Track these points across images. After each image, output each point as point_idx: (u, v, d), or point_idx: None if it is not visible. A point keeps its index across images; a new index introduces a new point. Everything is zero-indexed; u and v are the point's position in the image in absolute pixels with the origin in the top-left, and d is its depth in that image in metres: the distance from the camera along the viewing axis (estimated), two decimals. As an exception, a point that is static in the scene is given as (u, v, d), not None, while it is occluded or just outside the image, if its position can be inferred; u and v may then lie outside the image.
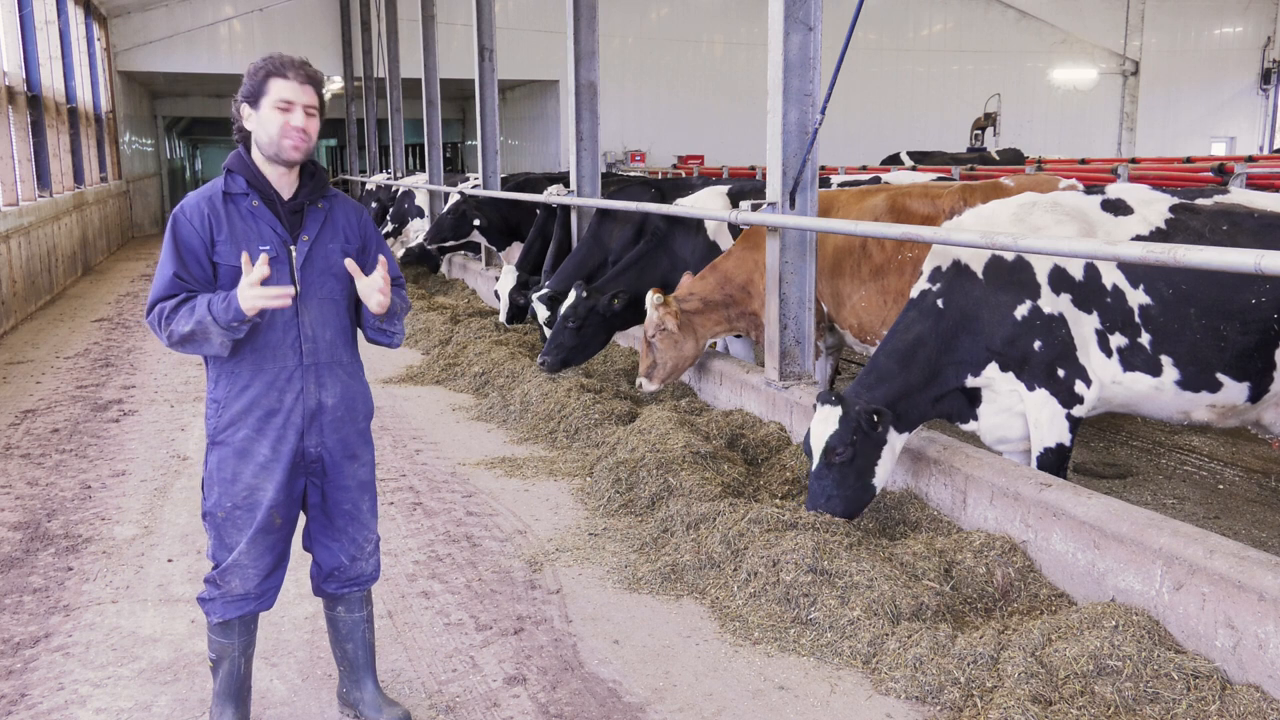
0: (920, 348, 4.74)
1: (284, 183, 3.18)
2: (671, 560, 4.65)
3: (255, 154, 3.15)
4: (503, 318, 10.29)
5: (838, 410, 4.61)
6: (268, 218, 3.14)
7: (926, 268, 4.95)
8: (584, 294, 7.57)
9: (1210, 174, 9.35)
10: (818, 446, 4.63)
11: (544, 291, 8.62)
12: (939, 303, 4.77)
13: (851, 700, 3.62)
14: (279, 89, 3.07)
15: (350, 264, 3.17)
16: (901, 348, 4.77)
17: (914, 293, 4.92)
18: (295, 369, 3.18)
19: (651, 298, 6.76)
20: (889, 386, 4.71)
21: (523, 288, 9.99)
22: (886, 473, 4.75)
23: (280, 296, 2.99)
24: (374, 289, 3.16)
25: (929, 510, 4.91)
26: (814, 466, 4.70)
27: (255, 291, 2.95)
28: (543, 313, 8.51)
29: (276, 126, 3.06)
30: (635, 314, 7.73)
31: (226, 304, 2.98)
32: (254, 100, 3.09)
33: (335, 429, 3.27)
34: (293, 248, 3.15)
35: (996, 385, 4.76)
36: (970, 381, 4.79)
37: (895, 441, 4.77)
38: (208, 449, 3.24)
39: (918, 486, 5.07)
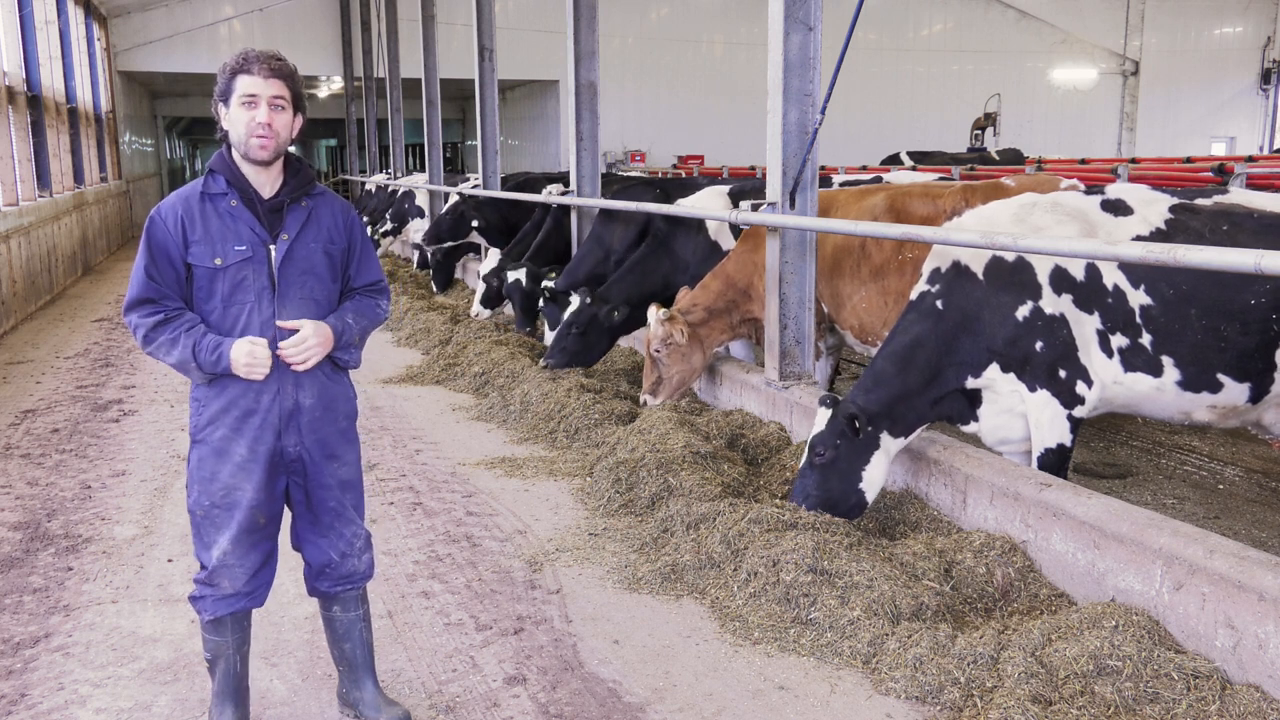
0: (919, 350, 4.74)
1: (264, 180, 3.15)
2: (671, 560, 4.65)
3: (235, 153, 3.14)
4: (475, 306, 10.41)
5: (829, 413, 4.67)
6: (246, 217, 3.12)
7: (925, 269, 4.94)
8: (588, 300, 7.61)
9: (1210, 174, 9.35)
10: (808, 445, 4.73)
11: (549, 285, 8.78)
12: (938, 304, 4.77)
13: (851, 700, 3.61)
14: (243, 85, 3.05)
15: (284, 324, 3.14)
16: (900, 350, 4.77)
17: (913, 294, 4.92)
18: (272, 369, 3.15)
19: (655, 313, 6.67)
20: (887, 390, 4.71)
21: (499, 272, 10.12)
22: (878, 477, 4.74)
23: (263, 368, 3.07)
24: (299, 340, 3.14)
25: (929, 510, 4.91)
26: (802, 463, 4.79)
27: (249, 363, 3.03)
28: (538, 302, 8.95)
29: (243, 124, 3.05)
30: (639, 318, 7.77)
31: (217, 356, 3.04)
32: (225, 99, 3.08)
33: (313, 429, 3.24)
34: (271, 247, 3.13)
35: (997, 386, 4.75)
36: (970, 383, 4.79)
37: (889, 446, 4.77)
38: (190, 447, 3.24)
39: (918, 486, 5.06)
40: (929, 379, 4.75)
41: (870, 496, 4.74)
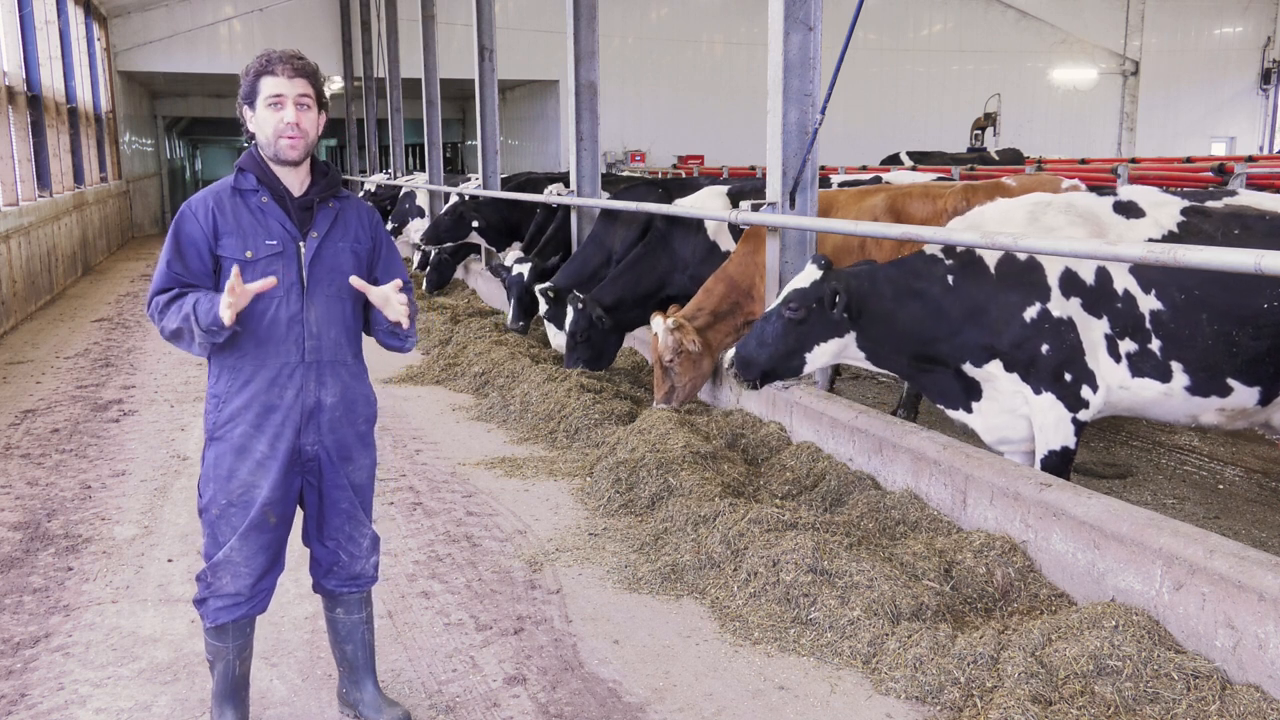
0: (918, 301, 4.74)
1: (294, 180, 3.18)
2: (671, 560, 4.65)
3: (264, 153, 3.16)
4: (510, 319, 9.98)
5: (818, 275, 4.74)
6: (277, 214, 3.14)
7: None
8: (580, 305, 7.60)
9: (1210, 174, 9.36)
10: (783, 294, 4.83)
11: (547, 286, 8.70)
12: (950, 279, 4.73)
13: (851, 700, 3.61)
14: (269, 86, 3.06)
15: (356, 281, 3.16)
16: (903, 289, 4.77)
17: (926, 249, 4.90)
18: (297, 365, 3.17)
19: (663, 322, 6.62)
20: (879, 305, 4.75)
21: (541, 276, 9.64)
22: (824, 359, 4.87)
23: (260, 287, 2.99)
24: (391, 296, 3.17)
25: (929, 510, 4.91)
26: (770, 308, 4.89)
27: (226, 299, 2.92)
28: (543, 305, 8.74)
29: (270, 126, 3.07)
30: (641, 315, 7.76)
31: (210, 306, 2.97)
32: (250, 101, 3.11)
33: (333, 429, 3.26)
34: (301, 244, 3.15)
35: (1000, 384, 4.74)
36: (968, 369, 4.77)
37: (849, 346, 4.83)
38: (205, 445, 3.23)
39: (918, 486, 5.06)
40: (916, 336, 4.76)
41: (807, 370, 4.88)
